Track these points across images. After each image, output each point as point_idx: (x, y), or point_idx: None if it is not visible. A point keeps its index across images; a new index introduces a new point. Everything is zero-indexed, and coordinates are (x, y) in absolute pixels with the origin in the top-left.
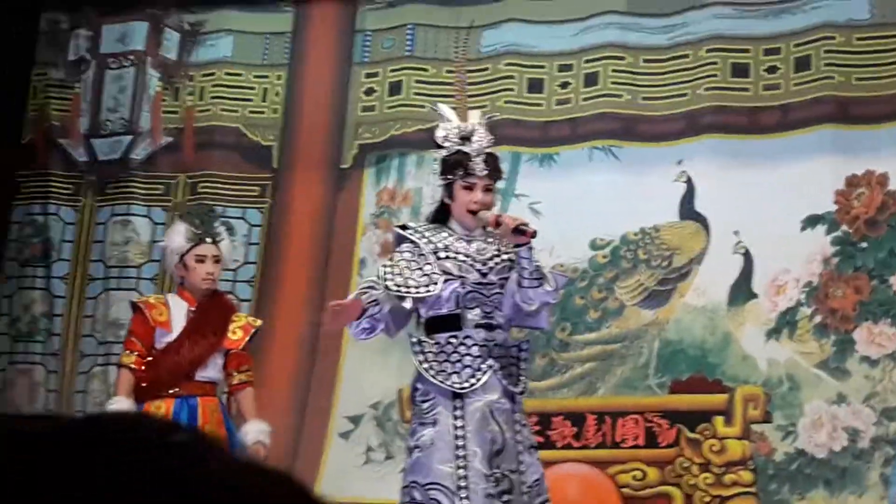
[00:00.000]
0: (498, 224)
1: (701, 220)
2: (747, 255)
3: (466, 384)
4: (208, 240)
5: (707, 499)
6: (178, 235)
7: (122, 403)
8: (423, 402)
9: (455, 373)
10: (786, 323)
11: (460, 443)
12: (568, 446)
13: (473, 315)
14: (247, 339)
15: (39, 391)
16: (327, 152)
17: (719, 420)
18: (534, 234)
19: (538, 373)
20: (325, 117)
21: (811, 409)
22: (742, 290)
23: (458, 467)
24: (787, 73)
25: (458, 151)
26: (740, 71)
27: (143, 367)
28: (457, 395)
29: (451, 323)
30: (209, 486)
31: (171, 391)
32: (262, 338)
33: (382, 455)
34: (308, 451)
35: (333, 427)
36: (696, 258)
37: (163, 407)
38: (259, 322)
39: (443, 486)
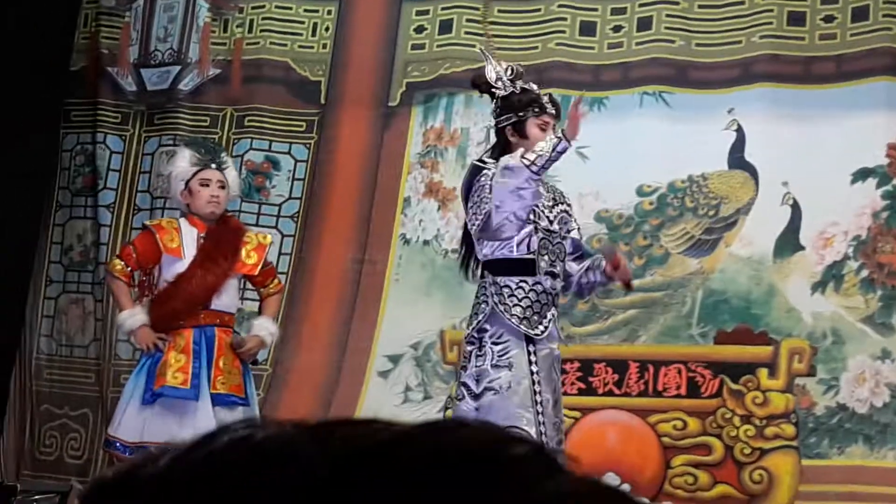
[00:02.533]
0: (616, 266)
1: (750, 170)
2: (795, 207)
3: (538, 330)
4: (213, 165)
5: (747, 451)
6: (183, 160)
7: (137, 316)
8: (496, 344)
9: (527, 318)
10: (832, 276)
11: (536, 388)
12: (609, 393)
13: (544, 262)
14: (262, 259)
15: (90, 320)
16: (375, 90)
17: (763, 372)
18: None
19: (579, 318)
20: (373, 54)
21: (854, 364)
22: (789, 242)
23: (538, 413)
24: (845, 23)
25: (526, 90)
26: (796, 19)
27: (129, 281)
28: (530, 340)
29: (522, 268)
30: None
31: (189, 322)
32: (304, 274)
33: (420, 395)
34: (347, 389)
35: (372, 365)
36: (743, 208)
37: (182, 337)
38: (269, 238)
39: (523, 430)
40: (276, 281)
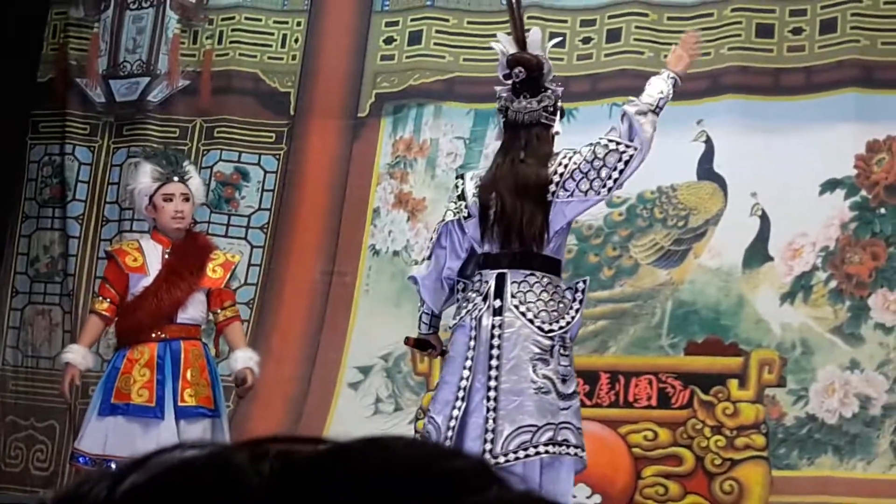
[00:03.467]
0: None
1: (719, 181)
2: (764, 218)
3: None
4: (175, 178)
5: (718, 461)
6: (144, 176)
7: (74, 353)
8: (570, 349)
9: None
10: (801, 287)
11: None
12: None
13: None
14: (227, 276)
15: (57, 332)
16: (344, 101)
17: (734, 383)
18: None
19: None
20: (343, 65)
21: (824, 375)
22: (758, 253)
23: None
24: (813, 35)
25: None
26: (765, 31)
27: (116, 315)
28: None
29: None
30: None
31: (153, 335)
32: (273, 285)
33: (391, 406)
34: (317, 401)
35: (343, 377)
36: (712, 219)
37: (146, 352)
38: (238, 257)
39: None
40: (233, 307)
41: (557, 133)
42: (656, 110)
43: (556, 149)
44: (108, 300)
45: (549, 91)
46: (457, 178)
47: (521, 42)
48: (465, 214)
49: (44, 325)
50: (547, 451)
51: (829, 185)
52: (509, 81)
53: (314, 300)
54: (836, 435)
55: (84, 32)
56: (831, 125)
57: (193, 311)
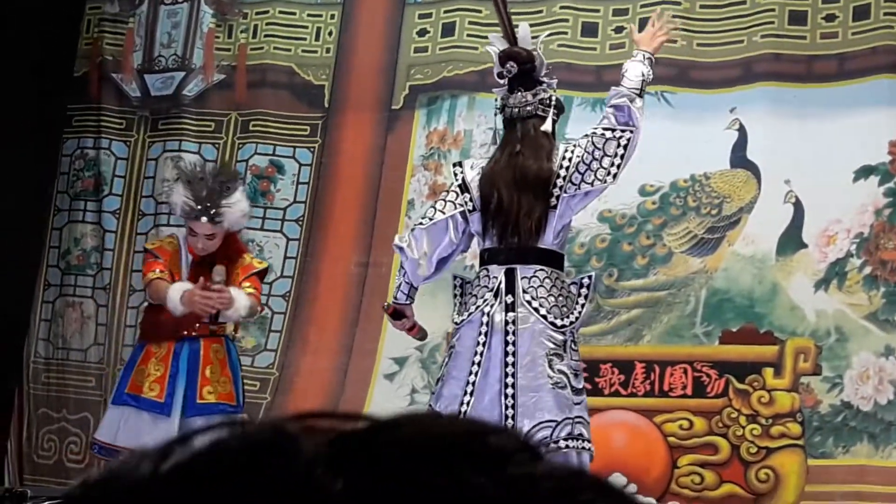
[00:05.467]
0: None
1: (752, 169)
2: (798, 205)
3: None
4: (203, 218)
5: (753, 450)
6: (177, 202)
7: (179, 286)
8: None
9: None
10: (835, 274)
11: None
12: (615, 394)
13: None
14: (245, 275)
15: (89, 324)
16: (378, 93)
17: (769, 371)
18: None
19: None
20: (377, 58)
21: (858, 362)
22: (792, 240)
23: None
24: (846, 22)
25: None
26: (797, 18)
27: (172, 281)
28: None
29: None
30: (534, 497)
31: (175, 335)
32: (309, 277)
33: (427, 397)
34: (353, 392)
35: (379, 368)
36: (746, 206)
37: (165, 346)
38: (264, 264)
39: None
40: (251, 287)
41: (549, 131)
42: (641, 94)
43: (580, 136)
44: (160, 271)
45: (544, 84)
46: (454, 165)
47: (511, 38)
48: (471, 208)
49: (75, 318)
50: (567, 446)
51: (863, 172)
52: (504, 81)
53: (349, 292)
54: (871, 422)
55: (119, 27)
56: (865, 112)
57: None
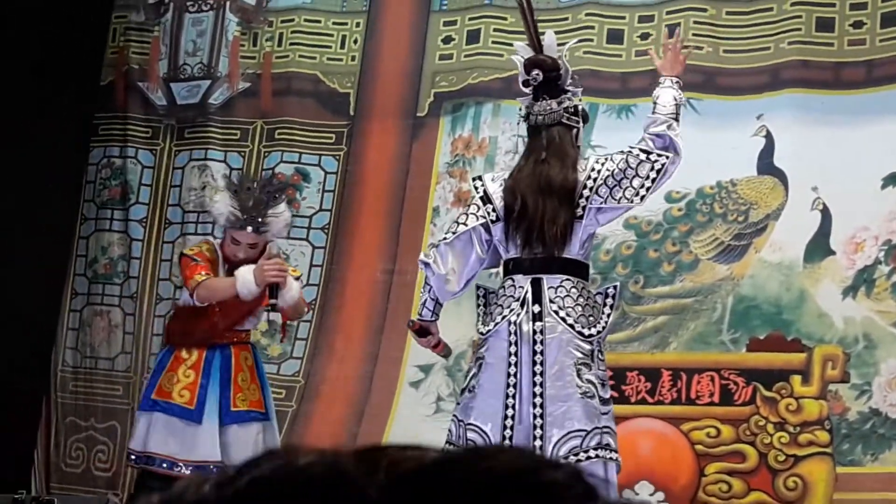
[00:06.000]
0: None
1: (779, 176)
2: (825, 212)
3: None
4: (248, 228)
5: (781, 458)
6: (222, 212)
7: (244, 268)
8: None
9: None
10: (863, 281)
11: None
12: (642, 401)
13: None
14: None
15: (117, 333)
16: (403, 100)
17: (797, 379)
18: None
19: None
20: (402, 65)
21: (887, 369)
22: (819, 247)
23: None
24: (874, 29)
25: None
26: (825, 25)
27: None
28: None
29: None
30: None
31: (206, 342)
32: (335, 285)
33: (452, 405)
34: (379, 400)
35: (404, 376)
36: (773, 213)
37: (195, 353)
38: (298, 272)
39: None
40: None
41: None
42: (677, 118)
43: (605, 143)
44: (205, 273)
45: (569, 93)
46: (474, 179)
47: (536, 46)
48: (493, 218)
49: (102, 326)
50: (597, 455)
51: (891, 179)
52: (529, 89)
53: (375, 299)
54: None
55: (145, 36)
56: (893, 119)
57: (247, 322)
